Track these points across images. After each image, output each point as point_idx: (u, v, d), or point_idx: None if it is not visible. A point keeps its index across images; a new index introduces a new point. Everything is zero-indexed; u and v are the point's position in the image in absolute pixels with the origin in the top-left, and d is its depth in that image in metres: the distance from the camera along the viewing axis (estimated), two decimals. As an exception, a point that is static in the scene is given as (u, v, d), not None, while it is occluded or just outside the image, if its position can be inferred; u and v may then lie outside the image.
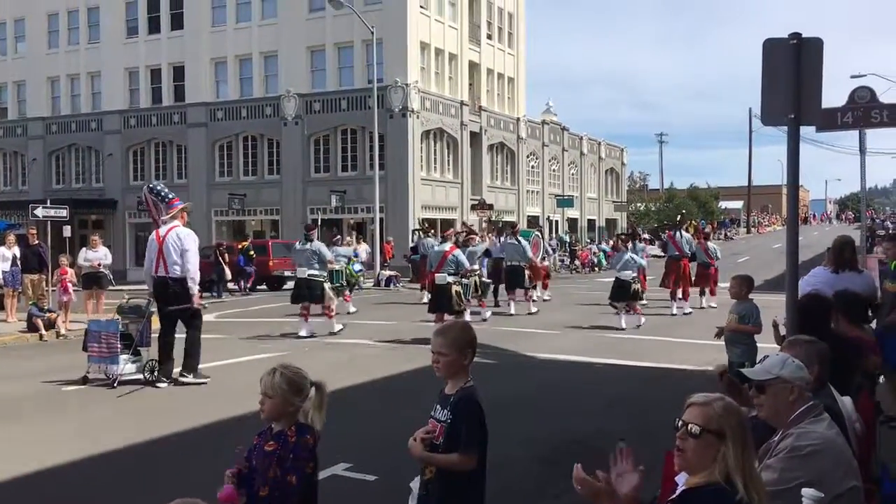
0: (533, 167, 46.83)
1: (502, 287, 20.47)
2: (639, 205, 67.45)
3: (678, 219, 27.68)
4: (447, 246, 15.49)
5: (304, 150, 37.52)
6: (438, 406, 3.65)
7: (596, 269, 38.69)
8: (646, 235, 46.61)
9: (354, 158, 36.93)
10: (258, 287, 29.47)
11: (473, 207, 38.85)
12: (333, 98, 37.08)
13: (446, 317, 13.84)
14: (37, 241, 18.32)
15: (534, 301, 19.92)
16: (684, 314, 18.74)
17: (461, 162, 39.25)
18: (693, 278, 19.95)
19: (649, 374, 11.31)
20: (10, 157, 45.66)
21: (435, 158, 38.10)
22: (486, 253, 19.71)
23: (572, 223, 50.94)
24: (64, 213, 20.49)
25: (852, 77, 28.58)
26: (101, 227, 40.74)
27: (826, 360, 4.07)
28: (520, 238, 20.25)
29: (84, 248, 19.20)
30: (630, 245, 18.82)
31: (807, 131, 10.03)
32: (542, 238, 24.25)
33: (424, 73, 37.11)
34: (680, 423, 2.71)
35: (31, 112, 44.46)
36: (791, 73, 6.35)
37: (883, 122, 12.20)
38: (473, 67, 41.46)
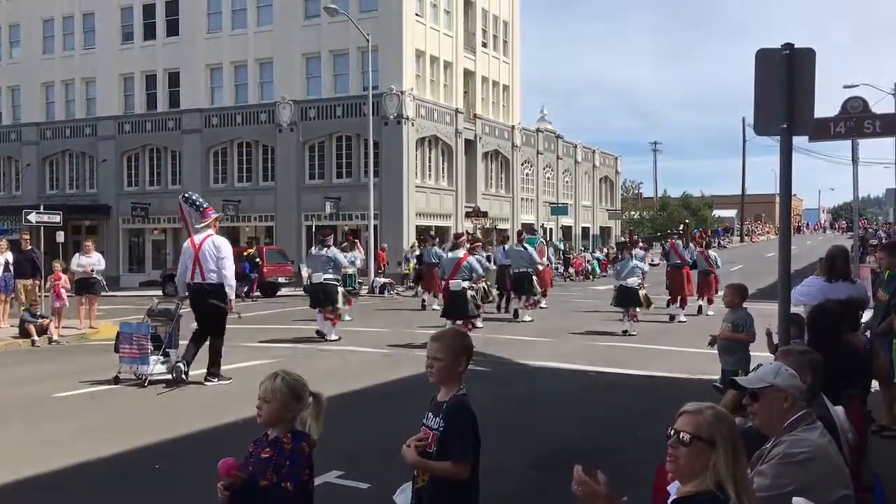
0: (527, 175, 46.91)
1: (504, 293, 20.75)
2: (632, 213, 67.62)
3: (681, 228, 28.03)
4: (461, 253, 15.79)
5: (299, 157, 37.52)
6: (430, 413, 3.64)
7: (590, 276, 38.71)
8: (641, 244, 46.62)
9: (349, 165, 36.94)
10: (251, 294, 29.42)
11: (468, 215, 38.88)
12: (328, 105, 37.10)
13: (457, 322, 14.32)
14: (30, 247, 18.26)
15: (531, 309, 20.01)
16: (679, 322, 18.90)
17: (456, 169, 39.29)
18: (696, 286, 20.27)
19: (643, 383, 11.32)
20: (4, 163, 45.54)
21: (430, 166, 38.14)
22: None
23: (566, 231, 51.03)
24: (57, 218, 20.43)
25: (845, 87, 28.78)
26: (95, 232, 40.67)
27: (818, 370, 4.09)
28: (526, 245, 20.50)
29: (77, 254, 19.15)
30: (633, 253, 19.05)
31: (800, 141, 10.09)
32: (546, 245, 24.65)
33: (419, 80, 37.18)
34: (672, 431, 2.73)
35: (26, 117, 44.37)
36: (784, 83, 6.38)
37: (875, 132, 12.25)
38: (468, 75, 41.55)
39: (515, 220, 44.55)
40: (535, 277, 20.07)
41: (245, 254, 29.83)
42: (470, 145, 40.58)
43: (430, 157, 38.15)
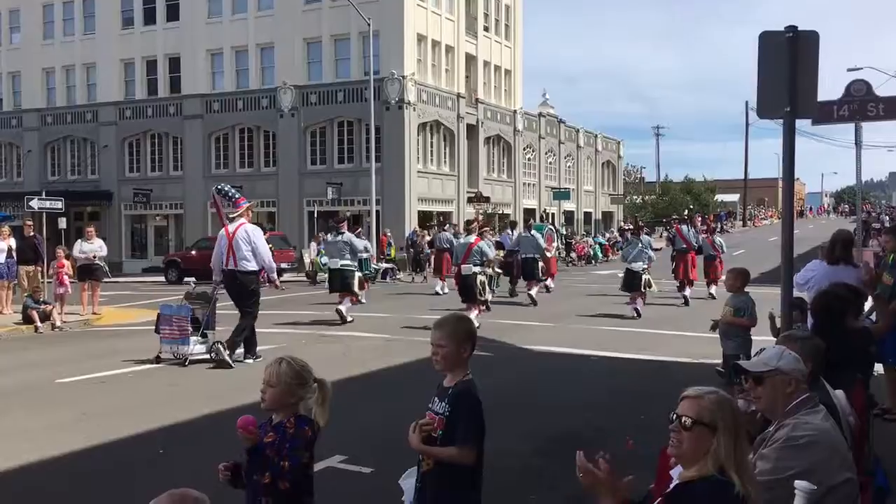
0: (529, 160, 46.82)
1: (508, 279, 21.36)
2: (635, 197, 67.51)
3: (685, 213, 28.40)
4: (472, 238, 16.13)
5: (301, 143, 37.46)
6: (437, 398, 3.64)
7: (592, 261, 38.67)
8: (645, 229, 46.60)
9: (351, 151, 36.87)
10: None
11: (470, 200, 38.85)
12: (330, 90, 37.00)
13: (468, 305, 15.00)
14: (32, 233, 18.29)
15: (538, 292, 20.37)
16: (684, 304, 19.22)
17: (458, 154, 39.20)
18: (701, 270, 20.78)
19: (645, 367, 11.33)
20: (6, 149, 45.51)
21: (431, 151, 38.06)
22: (499, 245, 20.44)
23: (569, 216, 50.96)
24: (59, 204, 20.42)
25: (849, 70, 28.56)
26: (97, 218, 40.65)
27: (819, 356, 4.09)
28: (534, 232, 21.02)
29: (79, 240, 19.15)
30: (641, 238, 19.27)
31: (803, 124, 10.05)
32: (554, 232, 25.42)
33: (421, 65, 37.04)
34: (674, 416, 2.74)
35: (27, 103, 44.29)
36: (787, 66, 6.35)
37: (879, 115, 12.20)
38: (470, 60, 41.38)
39: (517, 205, 44.50)
40: (541, 263, 20.54)
41: None
42: (472, 130, 40.47)
43: (431, 142, 38.06)
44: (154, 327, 12.04)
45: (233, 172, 39.07)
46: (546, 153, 48.69)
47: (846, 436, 3.67)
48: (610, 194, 58.40)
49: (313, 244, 29.70)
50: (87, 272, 18.29)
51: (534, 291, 19.83)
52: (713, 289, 20.43)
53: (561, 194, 45.63)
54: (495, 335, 13.74)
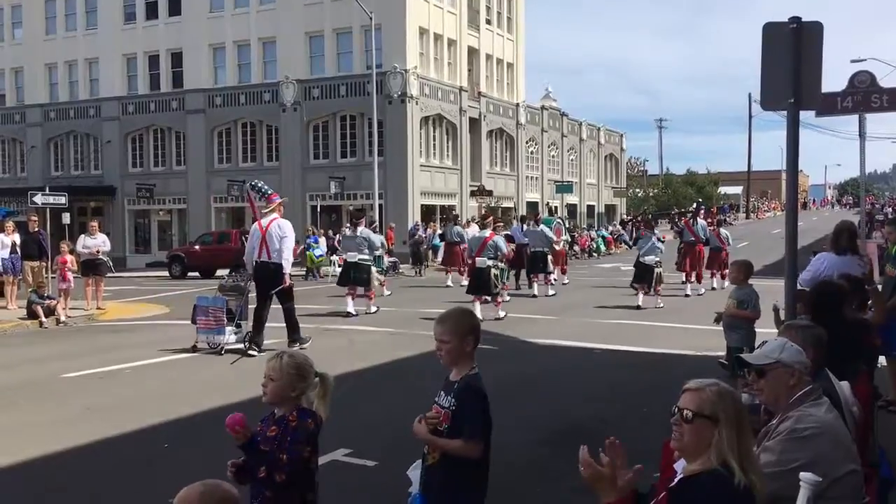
0: (532, 153, 46.75)
1: (522, 272, 21.84)
2: (637, 190, 67.41)
3: (694, 207, 28.95)
4: (487, 232, 16.46)
5: (303, 137, 37.44)
6: (442, 392, 3.64)
7: (595, 254, 38.65)
8: (632, 219, 46.82)
9: (353, 145, 36.85)
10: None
11: (473, 194, 38.81)
12: (332, 84, 36.95)
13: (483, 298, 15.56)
14: (36, 229, 18.31)
15: (552, 284, 20.84)
16: (698, 295, 19.54)
17: (460, 148, 39.16)
18: (706, 261, 21.30)
19: (649, 360, 11.33)
20: (9, 145, 45.54)
21: (434, 144, 38.02)
22: (509, 239, 20.89)
23: (571, 209, 50.90)
24: (63, 200, 20.45)
25: (852, 62, 28.42)
26: (101, 213, 40.70)
27: (821, 345, 4.08)
28: (542, 226, 21.38)
29: (83, 235, 19.18)
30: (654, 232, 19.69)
31: (806, 116, 10.04)
32: (563, 225, 25.90)
33: (423, 58, 36.97)
34: (676, 409, 2.73)
35: (29, 99, 44.30)
36: (791, 57, 6.33)
37: (883, 106, 12.20)
38: (472, 53, 41.30)
39: (520, 198, 44.45)
40: (549, 256, 20.95)
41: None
42: (474, 124, 40.42)
43: (434, 136, 38.02)
44: (190, 318, 12.54)
45: (235, 167, 39.08)
46: (549, 146, 48.62)
47: (849, 427, 3.67)
48: (613, 187, 58.31)
49: (317, 238, 29.66)
50: (90, 267, 18.32)
51: (536, 289, 20.01)
52: (719, 282, 20.69)
53: (564, 187, 45.58)
54: (499, 328, 13.75)
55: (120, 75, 41.94)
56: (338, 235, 27.97)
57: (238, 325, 12.24)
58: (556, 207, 45.01)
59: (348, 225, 19.19)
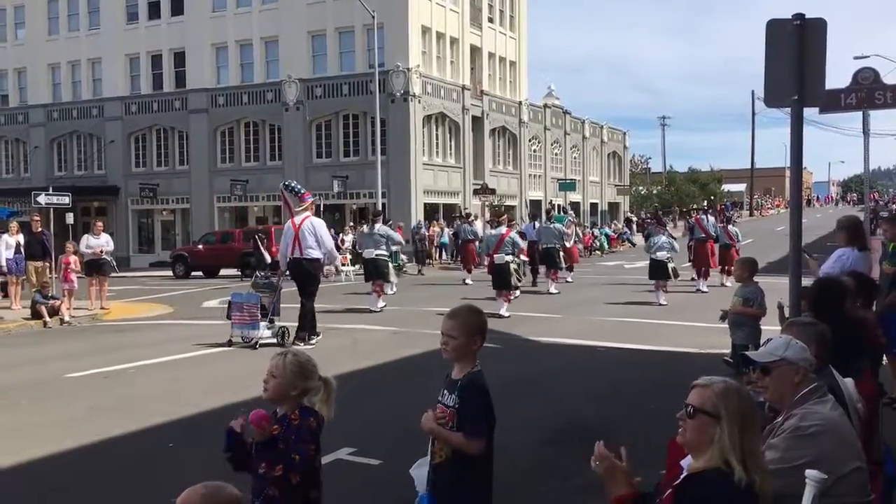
0: (535, 151, 46.72)
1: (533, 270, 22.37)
2: (640, 188, 67.33)
3: (705, 204, 29.42)
4: (503, 229, 17.03)
5: (306, 136, 37.45)
6: (446, 391, 3.64)
7: (598, 252, 38.60)
8: (645, 217, 46.71)
9: (356, 143, 36.86)
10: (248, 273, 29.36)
11: (476, 192, 38.78)
12: (335, 83, 36.96)
13: (503, 292, 16.15)
14: (40, 229, 18.33)
15: (555, 283, 21.01)
16: (703, 292, 19.69)
17: (463, 146, 39.15)
18: (716, 259, 21.64)
19: (653, 358, 11.31)
20: (12, 145, 45.62)
21: (437, 143, 38.01)
22: (521, 236, 21.20)
23: (575, 207, 50.85)
24: (66, 200, 20.48)
25: (856, 58, 28.39)
26: (104, 213, 40.78)
27: (825, 341, 4.07)
28: (554, 223, 21.87)
29: (86, 235, 19.20)
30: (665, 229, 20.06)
31: (810, 113, 10.02)
32: (575, 222, 26.72)
33: (426, 57, 36.95)
34: (685, 404, 2.76)
35: (33, 99, 44.37)
36: (794, 54, 6.32)
37: (886, 103, 12.17)
38: (475, 51, 41.28)
39: (523, 196, 44.44)
40: (562, 253, 21.40)
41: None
42: (477, 122, 40.40)
43: (437, 135, 38.01)
44: (225, 314, 13.01)
45: (238, 166, 39.13)
46: (552, 144, 48.59)
47: (854, 424, 3.66)
48: (616, 185, 58.27)
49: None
50: (94, 267, 18.34)
51: (552, 287, 20.42)
52: (727, 280, 20.63)
53: (567, 185, 45.55)
54: (503, 327, 13.72)
55: (123, 75, 41.99)
56: (341, 235, 28.06)
57: (271, 321, 12.68)
58: (564, 206, 45.04)
59: (364, 222, 20.09)
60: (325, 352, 11.32)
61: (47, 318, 15.84)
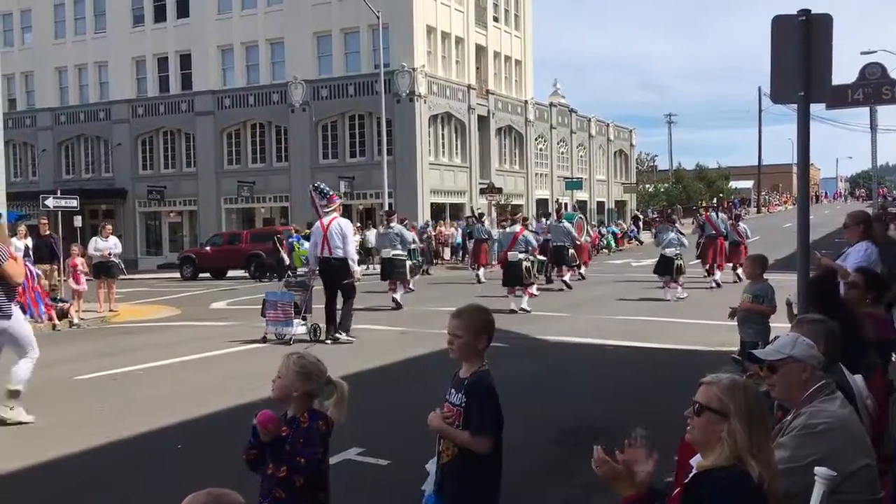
0: (541, 150, 46.68)
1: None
2: (647, 186, 67.20)
3: (715, 201, 29.59)
4: (517, 228, 17.49)
5: (312, 137, 37.50)
6: (453, 390, 3.64)
7: (605, 251, 38.53)
8: (655, 216, 46.58)
9: (362, 144, 36.90)
10: (266, 274, 29.38)
11: (482, 191, 38.78)
12: (340, 84, 37.00)
13: (517, 290, 16.50)
14: (48, 232, 18.39)
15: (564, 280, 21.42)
16: (709, 288, 19.92)
17: (469, 146, 39.14)
18: (727, 256, 21.93)
19: (661, 356, 11.29)
20: (20, 148, 45.75)
21: (443, 143, 38.02)
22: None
23: (581, 205, 50.78)
24: (74, 203, 20.55)
25: (862, 53, 28.31)
26: (112, 216, 40.87)
27: (833, 338, 4.05)
28: (564, 221, 22.12)
29: (94, 238, 19.26)
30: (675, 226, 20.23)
31: (817, 109, 10.00)
32: (585, 220, 26.99)
33: (431, 57, 36.97)
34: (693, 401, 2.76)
35: (40, 103, 44.56)
36: (800, 50, 6.30)
37: (894, 98, 12.11)
38: (480, 51, 41.26)
39: (530, 195, 44.39)
40: (572, 251, 21.82)
41: (303, 232, 28.48)
42: (483, 121, 40.39)
43: (443, 134, 38.02)
44: (260, 311, 13.42)
45: (245, 168, 39.20)
46: (558, 143, 48.52)
47: (864, 421, 3.64)
48: (623, 183, 58.14)
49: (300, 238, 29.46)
50: (102, 270, 18.39)
51: (567, 277, 21.08)
52: (740, 274, 20.73)
53: (573, 184, 45.50)
54: (511, 325, 13.71)
55: (129, 78, 42.12)
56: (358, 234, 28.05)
57: (304, 318, 13.18)
58: (565, 203, 44.99)
59: (381, 222, 20.54)
60: (333, 351, 11.33)
61: (56, 321, 15.90)
